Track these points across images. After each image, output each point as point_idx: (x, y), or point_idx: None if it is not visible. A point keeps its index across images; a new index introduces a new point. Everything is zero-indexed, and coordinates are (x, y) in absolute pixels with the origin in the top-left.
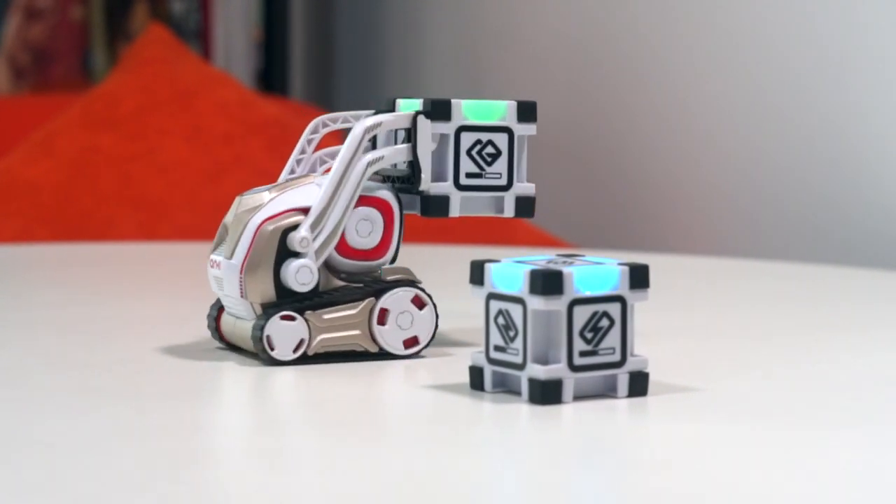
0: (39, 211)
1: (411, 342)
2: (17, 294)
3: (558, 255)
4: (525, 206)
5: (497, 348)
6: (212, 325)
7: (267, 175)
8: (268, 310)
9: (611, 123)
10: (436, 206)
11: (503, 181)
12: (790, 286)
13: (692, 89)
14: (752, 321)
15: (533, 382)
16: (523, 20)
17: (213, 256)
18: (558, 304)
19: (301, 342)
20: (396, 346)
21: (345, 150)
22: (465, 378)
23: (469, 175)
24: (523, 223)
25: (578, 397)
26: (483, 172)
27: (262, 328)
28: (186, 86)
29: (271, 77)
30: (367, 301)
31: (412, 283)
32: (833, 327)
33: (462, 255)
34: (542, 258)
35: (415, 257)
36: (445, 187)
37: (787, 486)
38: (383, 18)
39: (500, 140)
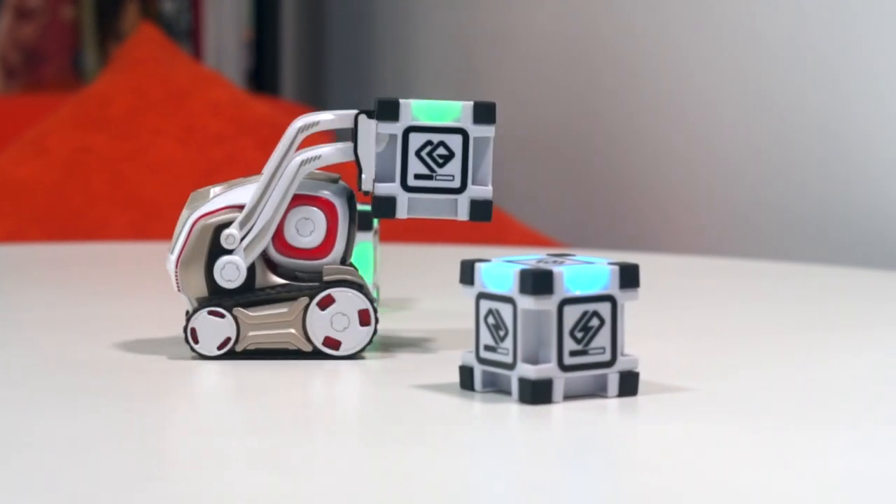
0: (31, 211)
1: (332, 343)
2: (9, 294)
3: (549, 255)
4: (481, 209)
5: (487, 348)
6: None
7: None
8: (200, 305)
9: (602, 123)
10: (382, 206)
11: (456, 183)
12: (781, 286)
13: (684, 90)
14: (743, 321)
15: (523, 382)
16: (516, 20)
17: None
18: (548, 304)
19: (227, 340)
20: (317, 337)
21: (277, 148)
22: (455, 378)
23: (418, 176)
24: (514, 222)
25: (568, 397)
26: (434, 174)
27: (187, 322)
28: (178, 86)
29: (262, 77)
30: (300, 300)
31: (357, 284)
32: (824, 327)
33: (452, 255)
34: (532, 258)
35: (404, 257)
36: (392, 188)
37: (777, 486)
38: (375, 18)
39: (454, 141)
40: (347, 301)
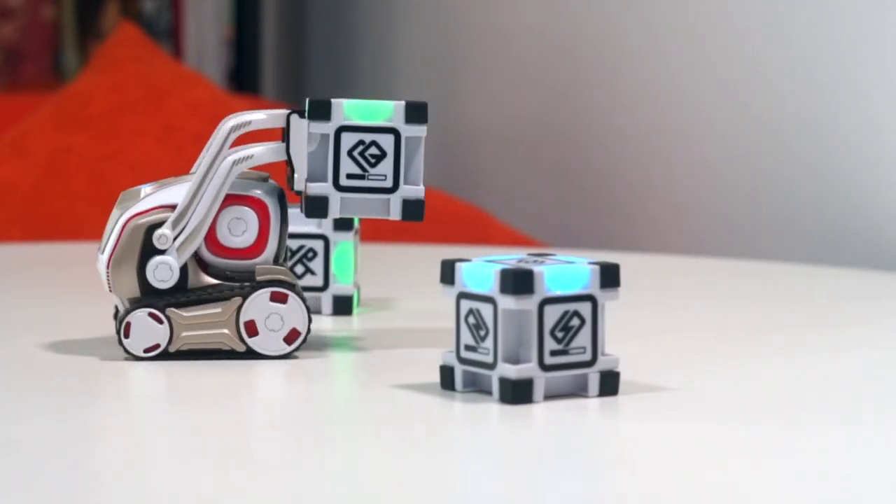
0: (11, 211)
1: (292, 337)
2: None
3: (529, 255)
4: (413, 209)
5: (468, 348)
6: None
7: None
8: (134, 305)
9: (584, 123)
10: (314, 206)
11: (388, 183)
12: (763, 285)
13: (666, 89)
14: (725, 320)
15: (504, 382)
16: (497, 20)
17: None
18: (529, 304)
19: (156, 346)
20: (278, 349)
21: (210, 148)
22: (436, 378)
23: (350, 176)
24: (495, 221)
25: (549, 397)
26: (366, 174)
27: (124, 317)
28: (158, 85)
29: (243, 76)
30: (233, 300)
31: (290, 284)
32: (807, 326)
33: (432, 255)
34: (512, 257)
35: (384, 257)
36: (324, 188)
37: (759, 485)
38: (356, 17)
39: (386, 141)
40: (259, 307)
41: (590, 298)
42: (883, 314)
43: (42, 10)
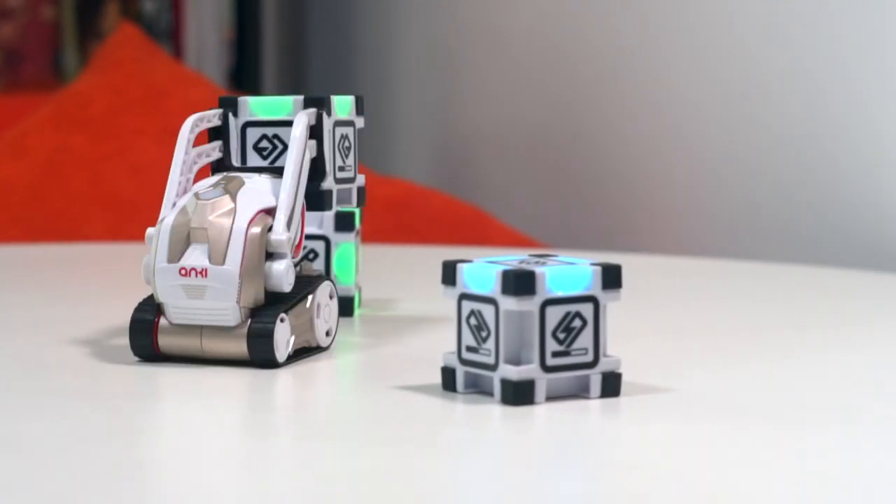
0: (10, 211)
1: (327, 334)
2: None
3: (531, 256)
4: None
5: (469, 349)
6: (146, 338)
7: None
8: (261, 313)
9: (584, 124)
10: (327, 200)
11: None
12: (763, 286)
13: (666, 90)
14: (726, 321)
15: (505, 383)
16: (496, 20)
17: (184, 264)
18: (531, 305)
19: (287, 343)
20: (325, 341)
21: (296, 149)
22: (438, 379)
23: (342, 168)
24: (495, 222)
25: (551, 398)
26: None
27: (271, 330)
28: (158, 85)
29: (243, 76)
30: (309, 299)
31: (324, 276)
32: (807, 327)
33: (433, 256)
34: (514, 258)
35: (385, 258)
36: (329, 182)
37: (759, 486)
38: (355, 16)
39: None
40: (324, 295)
41: (591, 300)
42: (883, 315)
43: (42, 10)
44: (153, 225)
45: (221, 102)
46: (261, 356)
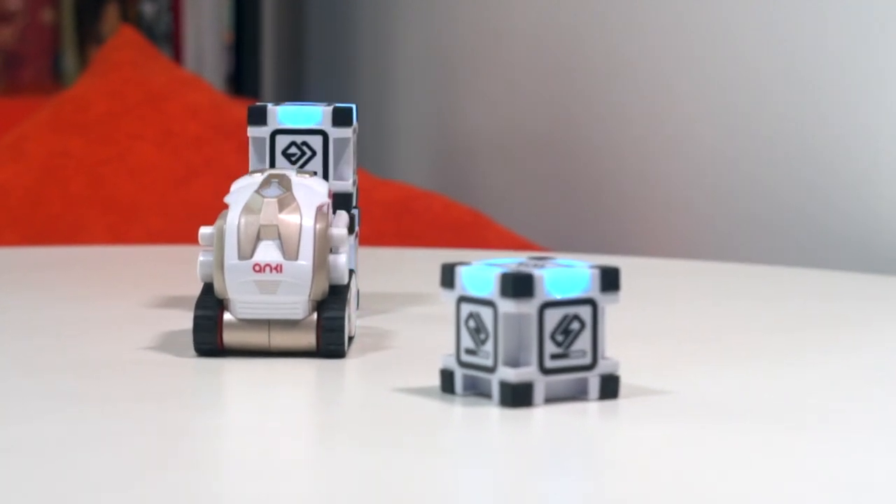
0: (8, 214)
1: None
2: None
3: (529, 258)
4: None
5: (468, 351)
6: (210, 335)
7: None
8: (328, 306)
9: (582, 127)
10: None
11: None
12: (759, 288)
13: (662, 94)
14: (724, 324)
15: (504, 385)
16: (495, 24)
17: (258, 260)
18: (529, 307)
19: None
20: (354, 329)
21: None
22: (436, 381)
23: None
24: (494, 225)
25: (549, 400)
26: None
27: (343, 323)
28: (157, 89)
29: (242, 80)
30: (351, 290)
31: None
32: (804, 329)
33: (432, 258)
34: (512, 261)
35: (384, 260)
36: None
37: (758, 488)
38: (355, 22)
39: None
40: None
41: (590, 302)
42: (880, 317)
43: (41, 13)
44: (153, 228)
45: (250, 112)
46: (331, 348)
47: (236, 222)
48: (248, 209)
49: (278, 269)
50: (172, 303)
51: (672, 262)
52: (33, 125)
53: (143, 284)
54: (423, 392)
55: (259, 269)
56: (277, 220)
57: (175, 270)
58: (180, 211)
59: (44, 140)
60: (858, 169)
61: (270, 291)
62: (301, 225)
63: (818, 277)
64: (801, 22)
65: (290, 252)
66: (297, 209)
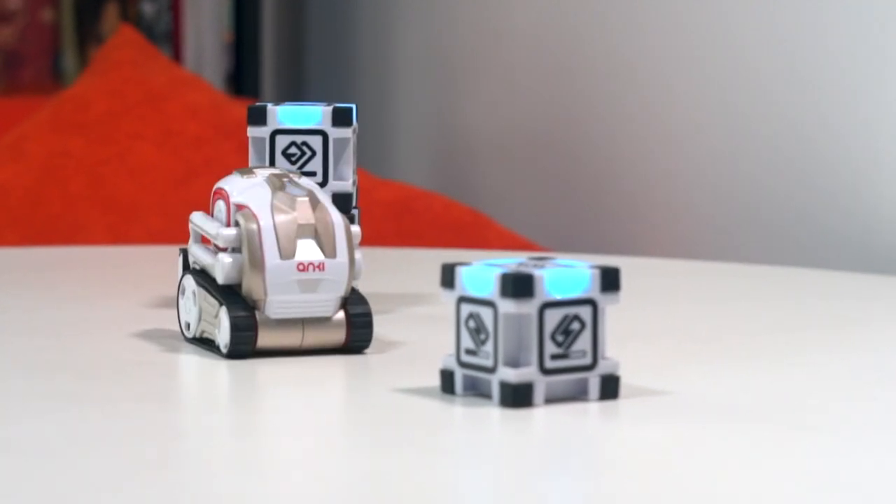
0: (8, 214)
1: None
2: None
3: (529, 259)
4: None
5: (468, 352)
6: (249, 335)
7: None
8: (353, 302)
9: (582, 127)
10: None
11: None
12: (760, 289)
13: (663, 94)
14: (725, 324)
15: (504, 386)
16: (495, 24)
17: (301, 259)
18: (529, 308)
19: None
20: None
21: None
22: (436, 381)
23: None
24: (494, 225)
25: (550, 400)
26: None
27: (371, 318)
28: (157, 89)
29: (242, 79)
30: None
31: None
32: (804, 329)
33: (432, 259)
34: (513, 261)
35: (384, 261)
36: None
37: (758, 488)
38: (355, 22)
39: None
40: None
41: (590, 302)
42: (880, 317)
43: (41, 13)
44: (153, 228)
45: (250, 112)
46: (360, 343)
47: (272, 222)
48: (278, 209)
49: (321, 267)
50: (173, 303)
51: (672, 262)
52: (33, 125)
53: (144, 284)
54: (424, 392)
55: (303, 267)
56: (314, 218)
57: (175, 271)
58: (180, 211)
59: (44, 140)
60: (858, 169)
61: (311, 290)
62: (334, 223)
63: (818, 277)
64: (801, 22)
65: (328, 250)
66: (326, 208)
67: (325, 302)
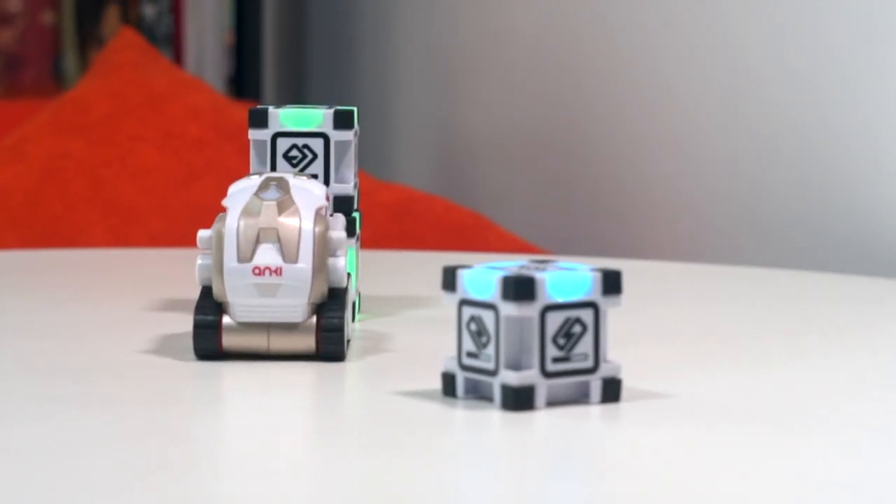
0: (9, 216)
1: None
2: None
3: (531, 261)
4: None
5: (469, 354)
6: (210, 340)
7: None
8: (327, 309)
9: (583, 129)
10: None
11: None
12: (761, 291)
13: (664, 96)
14: (726, 326)
15: (505, 389)
16: (497, 25)
17: (258, 263)
18: (531, 311)
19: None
20: (351, 332)
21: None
22: (438, 384)
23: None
24: (496, 228)
25: (551, 403)
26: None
27: (342, 325)
28: (158, 91)
29: (243, 82)
30: (350, 293)
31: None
32: (806, 332)
33: (433, 261)
34: (514, 264)
35: (385, 263)
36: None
37: (760, 491)
38: (356, 24)
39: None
40: None
41: (592, 305)
42: (881, 320)
43: (42, 15)
44: (154, 230)
45: (251, 114)
46: (331, 350)
47: (235, 225)
48: (246, 212)
49: (278, 272)
50: (173, 305)
51: (674, 264)
52: (34, 127)
53: (144, 287)
54: (425, 395)
55: (259, 272)
56: (277, 223)
57: (176, 273)
58: (181, 213)
59: (44, 142)
60: (858, 169)
61: (270, 294)
62: (300, 228)
63: (819, 280)
64: (801, 22)
65: (289, 255)
66: (297, 212)
67: (289, 307)
